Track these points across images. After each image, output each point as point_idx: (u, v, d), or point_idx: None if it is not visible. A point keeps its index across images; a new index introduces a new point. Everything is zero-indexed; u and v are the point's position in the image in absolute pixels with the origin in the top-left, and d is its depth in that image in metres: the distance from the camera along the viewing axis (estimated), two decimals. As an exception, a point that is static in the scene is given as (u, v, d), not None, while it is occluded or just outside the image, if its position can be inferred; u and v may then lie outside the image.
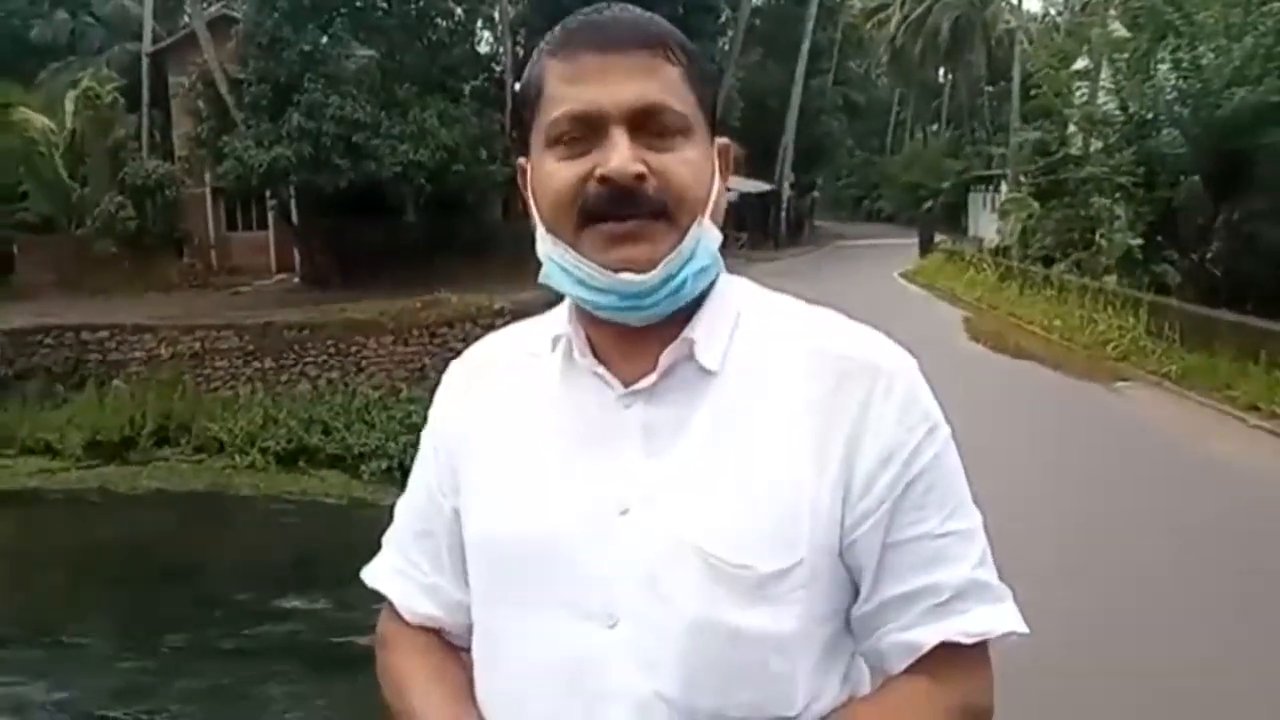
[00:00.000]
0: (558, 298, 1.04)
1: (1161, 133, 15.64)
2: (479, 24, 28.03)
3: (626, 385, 0.98)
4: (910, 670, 0.98)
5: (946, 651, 0.96)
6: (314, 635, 9.81)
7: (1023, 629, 0.99)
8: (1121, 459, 8.27)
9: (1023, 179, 23.12)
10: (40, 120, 24.67)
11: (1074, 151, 19.10)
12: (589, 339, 1.00)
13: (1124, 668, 4.44)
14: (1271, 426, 9.22)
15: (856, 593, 0.99)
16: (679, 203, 0.94)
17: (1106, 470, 7.94)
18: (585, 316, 1.00)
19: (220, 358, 17.30)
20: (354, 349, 17.19)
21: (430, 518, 1.10)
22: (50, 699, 9.03)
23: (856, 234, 42.53)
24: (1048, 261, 19.73)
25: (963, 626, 0.96)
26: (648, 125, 0.93)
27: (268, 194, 23.68)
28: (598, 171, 0.92)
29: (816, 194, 46.27)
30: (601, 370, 0.99)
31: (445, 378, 1.14)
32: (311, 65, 20.61)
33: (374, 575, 1.15)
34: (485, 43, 28.88)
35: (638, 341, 0.98)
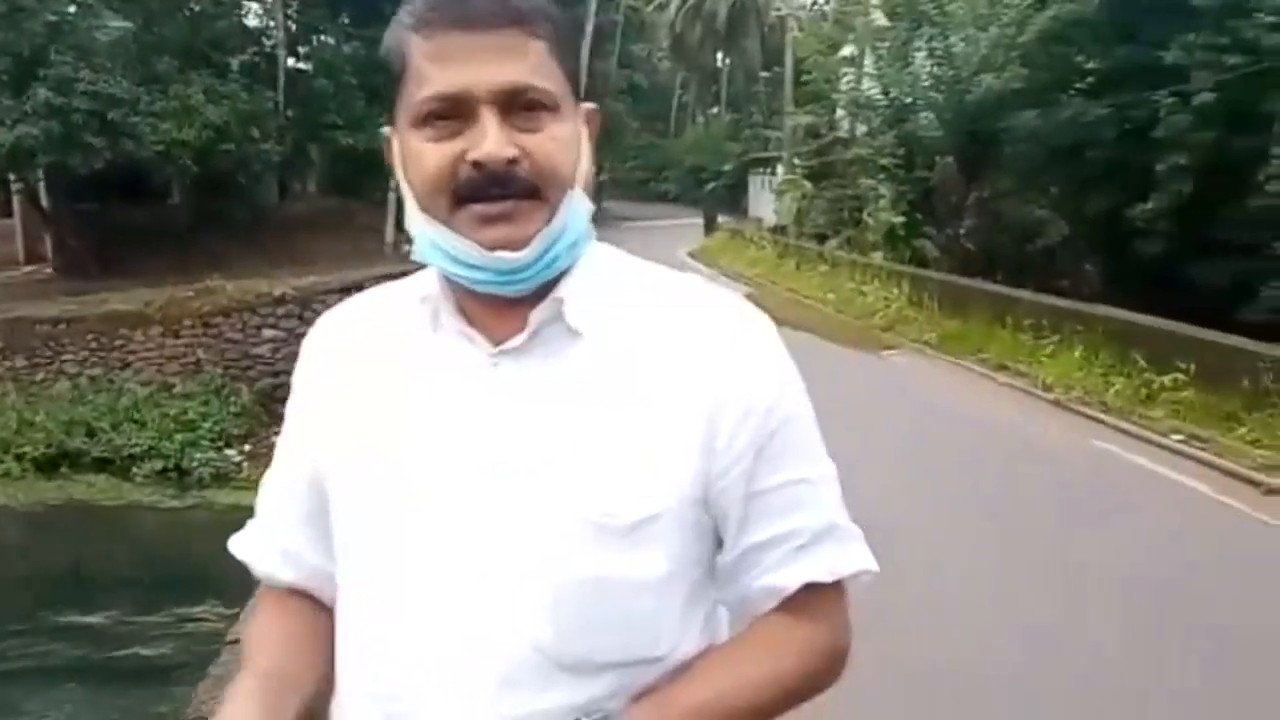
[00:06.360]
0: (415, 268, 1.04)
1: (919, 116, 16.77)
2: (246, -5, 26.63)
3: (495, 345, 0.99)
4: (774, 612, 1.03)
5: (807, 592, 1.01)
6: (91, 650, 9.13)
7: (875, 567, 1.05)
8: (888, 420, 8.90)
9: (797, 161, 24.20)
10: None
11: (842, 134, 20.19)
12: (457, 301, 1.01)
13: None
14: (1016, 383, 10.16)
15: (719, 542, 1.03)
16: (550, 181, 0.95)
17: (873, 430, 8.51)
18: (454, 282, 1.00)
19: (-38, 357, 15.71)
20: (118, 343, 15.98)
21: (291, 484, 1.10)
22: None
23: (644, 215, 43.17)
24: (821, 239, 20.79)
25: (824, 567, 1.02)
26: (516, 105, 0.93)
27: (12, 177, 21.64)
28: (470, 156, 0.93)
29: (604, 176, 46.75)
30: (470, 331, 1.00)
31: (305, 344, 1.12)
32: (58, 36, 18.94)
33: (238, 543, 1.15)
34: (254, 15, 27.44)
35: (510, 304, 0.99)
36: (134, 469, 13.53)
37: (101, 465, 13.76)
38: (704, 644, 1.03)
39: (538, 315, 0.98)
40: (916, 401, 9.77)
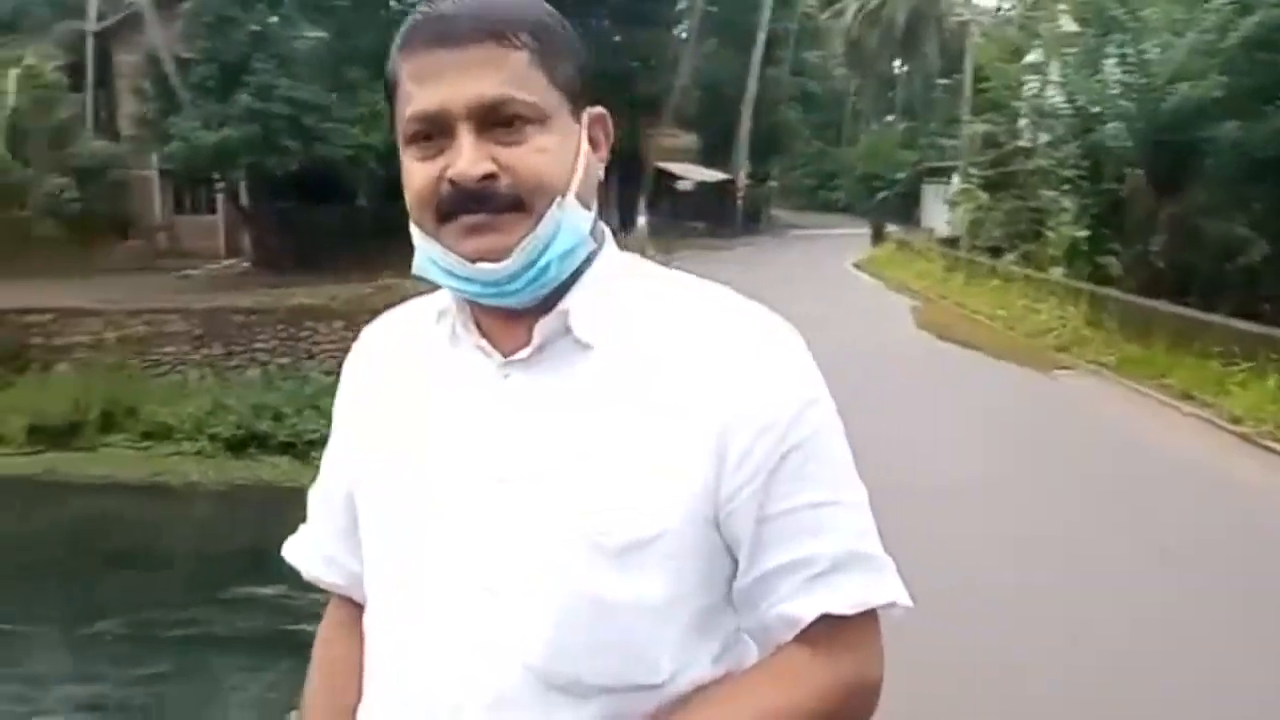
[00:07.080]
0: None
1: (1107, 126, 15.94)
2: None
3: (507, 357, 0.99)
4: (793, 642, 0.97)
5: (829, 623, 0.96)
6: (264, 622, 9.75)
7: (906, 600, 0.98)
8: (1058, 445, 8.49)
9: (973, 171, 23.45)
10: (-21, 97, 24.04)
11: (1023, 144, 19.41)
12: (473, 314, 1.01)
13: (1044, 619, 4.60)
14: (1201, 414, 9.51)
15: (735, 565, 0.99)
16: (534, 193, 0.94)
17: (1041, 454, 8.15)
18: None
19: (167, 342, 17.05)
20: (305, 334, 17.03)
21: (329, 490, 1.14)
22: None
23: (812, 224, 42.80)
24: (996, 252, 20.05)
25: (842, 597, 0.96)
26: (494, 119, 0.93)
27: (216, 176, 23.32)
28: (447, 173, 0.93)
29: (774, 183, 46.48)
30: (483, 343, 1.00)
31: (347, 359, 1.16)
32: (260, 45, 20.35)
33: (289, 547, 1.20)
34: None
35: (520, 316, 0.98)
36: (312, 454, 14.33)
37: (285, 448, 14.66)
38: (719, 672, 0.99)
39: (543, 327, 0.97)
40: (1089, 425, 9.29)
